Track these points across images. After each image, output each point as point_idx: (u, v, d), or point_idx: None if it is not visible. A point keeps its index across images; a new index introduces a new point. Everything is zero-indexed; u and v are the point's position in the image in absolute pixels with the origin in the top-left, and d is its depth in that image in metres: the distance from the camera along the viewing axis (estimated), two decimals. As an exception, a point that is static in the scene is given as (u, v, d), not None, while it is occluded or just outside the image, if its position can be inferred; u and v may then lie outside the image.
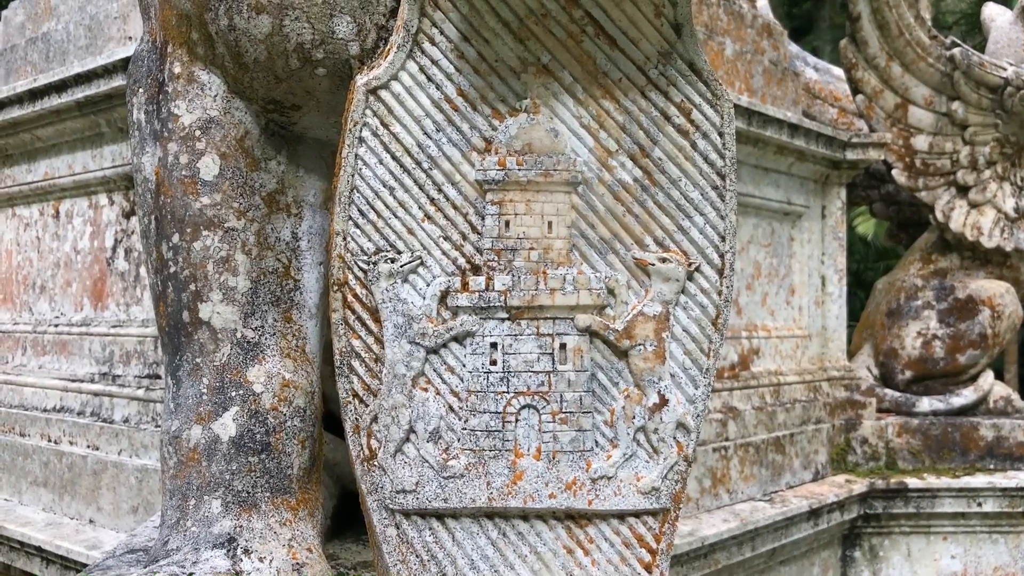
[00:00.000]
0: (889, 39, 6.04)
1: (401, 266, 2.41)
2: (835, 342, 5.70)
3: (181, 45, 2.65)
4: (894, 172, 6.19)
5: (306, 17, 2.49)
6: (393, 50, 2.40)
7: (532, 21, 2.34)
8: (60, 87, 3.93)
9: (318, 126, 2.76)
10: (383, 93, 2.40)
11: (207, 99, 2.64)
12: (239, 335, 2.63)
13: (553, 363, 2.37)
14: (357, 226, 2.43)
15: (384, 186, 2.42)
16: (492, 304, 2.37)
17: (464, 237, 2.41)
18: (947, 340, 6.10)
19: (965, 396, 6.10)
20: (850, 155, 5.66)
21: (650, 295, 2.40)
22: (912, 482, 5.50)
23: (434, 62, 2.38)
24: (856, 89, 6.17)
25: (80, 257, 4.24)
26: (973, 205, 6.15)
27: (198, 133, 2.62)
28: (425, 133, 2.40)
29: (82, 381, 4.02)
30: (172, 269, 2.64)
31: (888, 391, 6.12)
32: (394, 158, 2.41)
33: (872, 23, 5.97)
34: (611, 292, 2.40)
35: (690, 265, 2.41)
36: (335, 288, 2.45)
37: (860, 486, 5.31)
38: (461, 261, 2.41)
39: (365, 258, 2.42)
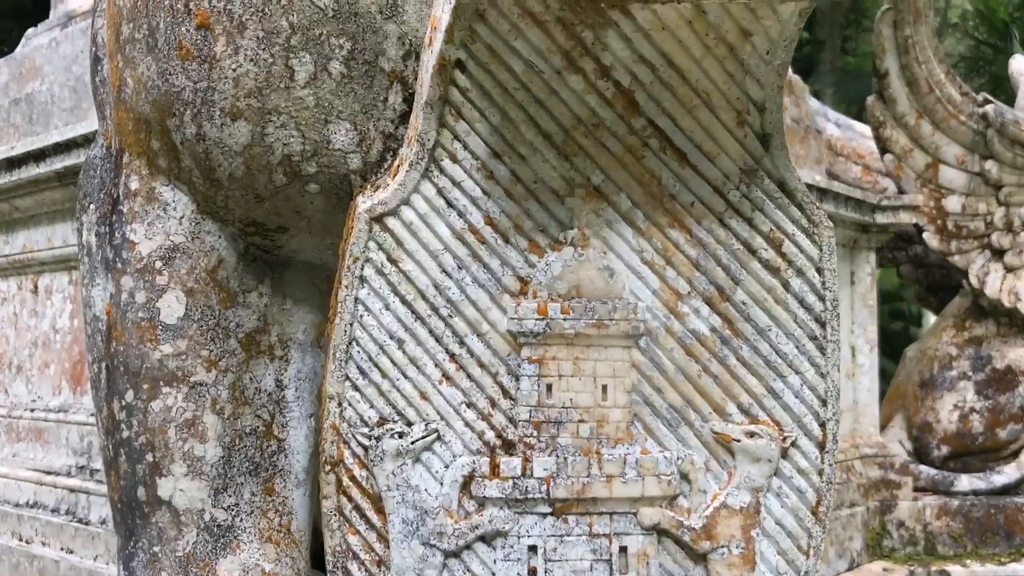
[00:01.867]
0: (919, 96, 5.66)
1: (412, 442, 1.87)
2: (867, 417, 5.24)
3: (140, 155, 2.14)
4: (925, 235, 5.77)
5: (294, 123, 1.99)
6: (404, 167, 1.89)
7: (580, 133, 1.83)
8: (39, 156, 3.55)
9: (310, 248, 2.24)
10: (391, 221, 1.89)
11: (171, 222, 2.13)
12: (208, 517, 2.09)
13: (611, 572, 1.82)
14: (357, 389, 1.90)
15: (391, 338, 1.89)
16: (530, 495, 1.83)
17: (493, 404, 1.88)
18: (986, 414, 5.65)
19: (1007, 474, 5.61)
20: (880, 218, 5.31)
21: (735, 480, 1.87)
22: (954, 570, 4.96)
23: (456, 183, 1.87)
24: (884, 148, 5.78)
25: (59, 336, 3.80)
26: (1009, 269, 5.72)
27: (159, 264, 2.11)
28: (444, 271, 1.88)
29: (58, 474, 3.63)
30: (125, 433, 2.11)
31: (924, 468, 5.64)
32: (404, 303, 1.89)
33: (901, 79, 5.60)
34: (685, 477, 1.86)
35: (784, 439, 1.88)
36: (327, 467, 1.91)
37: (899, 575, 4.79)
38: (490, 436, 1.87)
39: (366, 430, 1.89)
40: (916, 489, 5.42)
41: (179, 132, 2.04)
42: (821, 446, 1.90)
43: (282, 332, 2.27)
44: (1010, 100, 5.93)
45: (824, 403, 1.91)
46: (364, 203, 1.92)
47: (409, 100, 2.01)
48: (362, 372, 1.90)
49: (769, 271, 1.89)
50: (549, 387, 1.85)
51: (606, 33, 1.73)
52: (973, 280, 5.50)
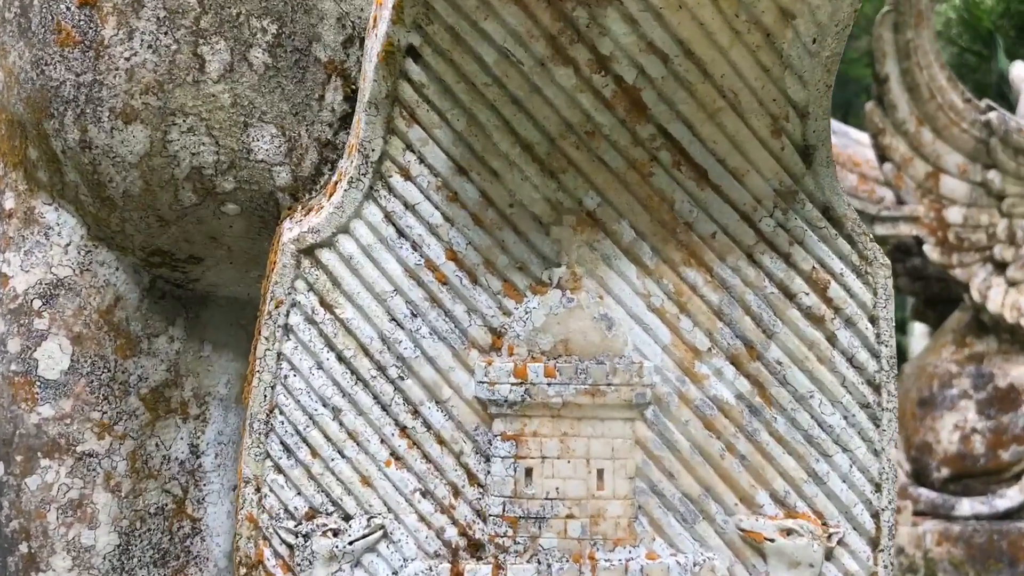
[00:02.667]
0: (919, 102, 5.33)
1: (351, 541, 1.44)
2: (865, 436, 4.88)
3: (15, 166, 1.71)
4: (925, 248, 5.45)
5: (205, 127, 1.56)
6: (343, 185, 1.46)
7: (570, 143, 1.41)
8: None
9: (232, 282, 1.81)
10: (325, 255, 1.46)
11: (54, 251, 1.70)
12: (97, 624, 1.65)
13: None
14: (280, 471, 1.47)
15: (325, 406, 1.46)
16: (504, 614, 1.41)
17: (456, 493, 1.45)
18: (987, 434, 5.34)
19: (1010, 498, 5.28)
20: (879, 230, 5.01)
21: (767, 592, 1.45)
22: (955, 600, 4.59)
23: (409, 207, 1.44)
24: (883, 156, 5.44)
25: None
26: (1012, 283, 5.40)
27: (38, 304, 1.68)
28: (394, 320, 1.45)
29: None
30: (-8, 517, 1.67)
31: (923, 491, 5.31)
32: (342, 360, 1.46)
33: (901, 85, 5.27)
34: (703, 590, 1.44)
35: (829, 536, 1.46)
36: (241, 570, 1.48)
37: (898, 605, 4.38)
38: (451, 534, 1.45)
39: (292, 525, 1.46)
40: (915, 513, 5.14)
41: (59, 138, 1.60)
42: (874, 543, 1.48)
43: (199, 385, 1.84)
44: (1007, 109, 5.65)
45: (878, 488, 1.49)
46: (291, 230, 1.49)
47: (351, 98, 1.58)
48: (287, 449, 1.47)
49: (811, 321, 1.47)
50: (528, 472, 1.42)
51: (604, 12, 1.31)
52: (975, 294, 5.23)
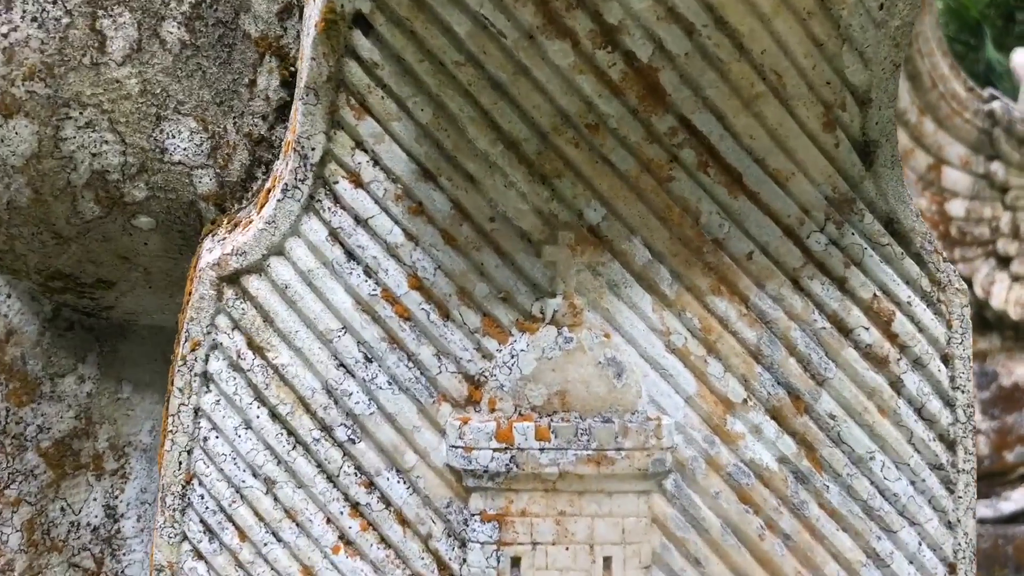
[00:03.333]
0: (921, 92, 5.07)
1: (290, 651, 1.13)
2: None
3: None
4: None
5: (107, 121, 1.24)
6: (276, 193, 1.14)
7: (567, 139, 1.10)
8: None
9: (154, 309, 1.50)
10: (253, 283, 1.14)
11: (-75, 275, 1.37)
12: None
13: None
14: (200, 556, 1.15)
15: (255, 476, 1.15)
16: None
17: (424, 587, 1.14)
18: (992, 435, 5.09)
19: (1015, 500, 5.03)
20: None
21: None
22: (961, 605, 4.26)
23: (361, 221, 1.13)
24: None
25: None
26: (1016, 278, 5.16)
27: (-95, 341, 1.35)
28: (342, 366, 1.14)
29: None
30: None
31: None
32: (276, 417, 1.14)
33: (902, 73, 5.02)
34: None
35: (895, 636, 1.16)
36: None
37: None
38: (418, 640, 1.13)
39: (215, 628, 1.14)
40: None
41: (-76, 135, 1.28)
42: (950, 640, 1.18)
43: (116, 434, 1.52)
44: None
45: (953, 570, 1.19)
46: (211, 252, 1.17)
47: (290, 83, 1.26)
48: (208, 531, 1.15)
49: (871, 363, 1.16)
50: (516, 562, 1.11)
51: (613, -32, 1.00)
52: (978, 290, 5.01)
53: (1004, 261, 5.08)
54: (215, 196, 1.27)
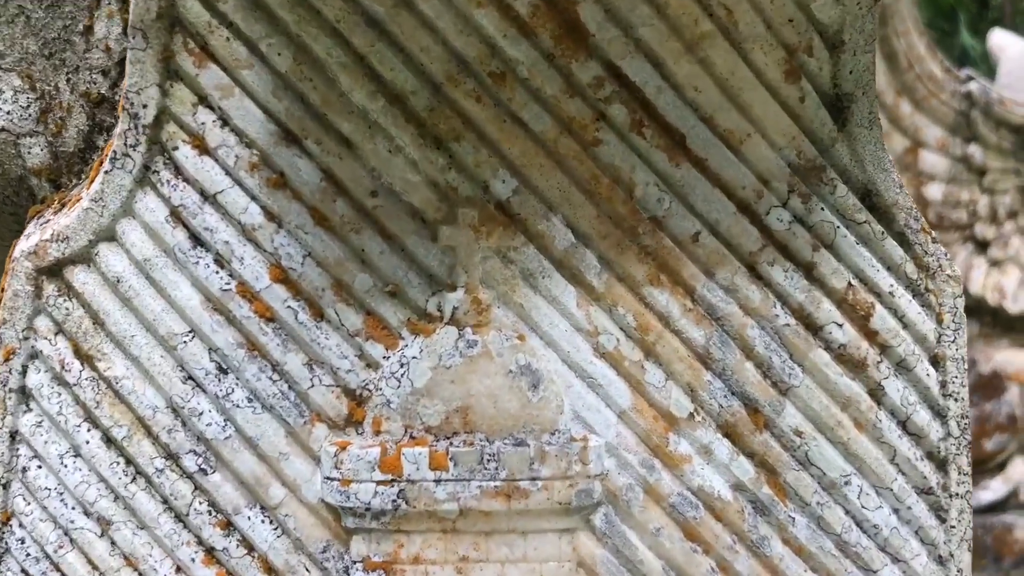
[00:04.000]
0: (897, 72, 4.94)
1: None
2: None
3: None
4: None
5: (-91, 78, 1.00)
6: (106, 164, 0.91)
7: (466, 92, 0.87)
8: None
9: None
10: (79, 276, 0.91)
11: None
12: None
13: None
14: (18, 617, 0.92)
15: (87, 515, 0.92)
16: None
17: (296, 652, 0.91)
18: (971, 423, 4.94)
19: (994, 490, 4.95)
20: None
21: None
22: (940, 597, 4.18)
23: (209, 197, 0.90)
24: None
25: None
26: (993, 263, 5.07)
27: None
28: (190, 379, 0.91)
29: None
30: None
31: None
32: (110, 442, 0.92)
33: (878, 54, 4.89)
34: None
35: None
36: None
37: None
38: None
39: None
40: None
41: None
42: None
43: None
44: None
45: (944, 615, 0.98)
46: (27, 239, 0.94)
47: (133, 30, 1.03)
48: (27, 585, 0.93)
49: (846, 367, 0.95)
50: (407, 621, 0.89)
51: None
52: None
53: (982, 246, 5.01)
54: (48, 170, 1.04)
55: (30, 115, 1.03)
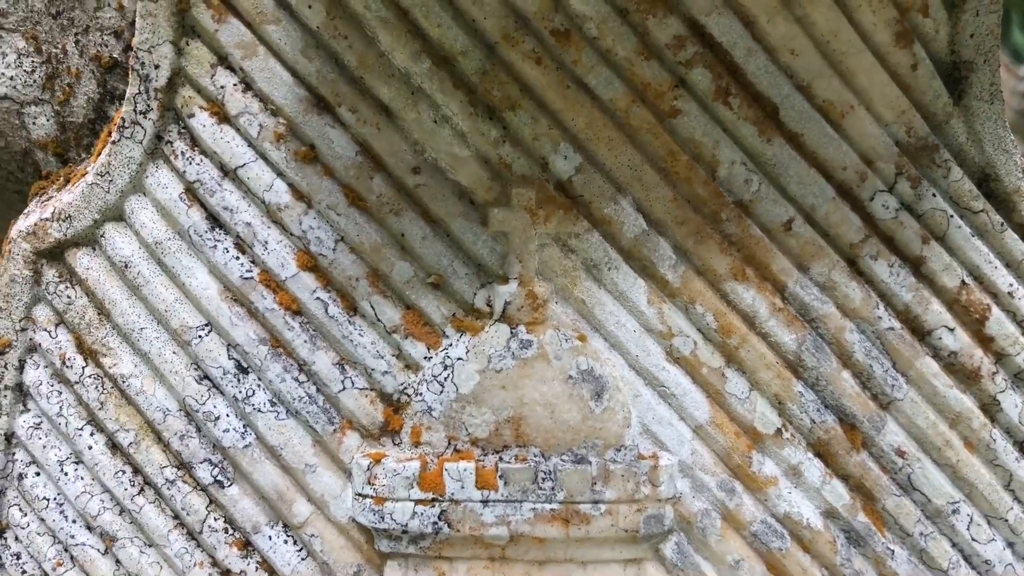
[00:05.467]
0: None
1: None
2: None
3: None
4: None
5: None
6: (114, 134, 0.80)
7: (524, 54, 0.75)
8: None
9: None
10: (82, 260, 0.80)
11: None
12: None
13: None
14: (12, 643, 0.82)
15: (90, 529, 0.82)
16: None
17: None
18: None
19: None
20: None
21: None
22: None
23: (228, 172, 0.79)
24: None
25: None
26: None
27: None
28: (206, 379, 0.80)
29: None
30: None
31: None
32: (116, 448, 0.81)
33: None
34: None
35: None
36: None
37: None
38: None
39: None
40: None
41: None
42: None
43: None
44: None
45: (1063, 664, 0.85)
46: (27, 217, 0.83)
47: (149, -14, 0.92)
48: (21, 607, 0.82)
49: (956, 378, 0.82)
50: (448, 662, 0.78)
51: None
52: None
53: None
54: (55, 142, 0.93)
55: (35, 81, 0.92)
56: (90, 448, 0.82)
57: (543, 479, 0.77)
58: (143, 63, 0.78)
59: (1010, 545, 0.84)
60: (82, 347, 0.82)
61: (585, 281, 0.79)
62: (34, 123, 0.93)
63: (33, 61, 0.92)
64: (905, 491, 0.83)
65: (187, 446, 0.81)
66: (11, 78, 0.92)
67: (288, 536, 0.81)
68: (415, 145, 0.77)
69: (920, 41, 0.79)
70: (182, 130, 0.79)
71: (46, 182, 0.92)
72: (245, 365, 0.80)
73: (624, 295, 0.79)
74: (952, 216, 0.81)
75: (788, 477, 0.81)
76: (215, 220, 0.79)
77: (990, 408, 0.83)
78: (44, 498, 0.83)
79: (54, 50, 0.92)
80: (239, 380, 0.80)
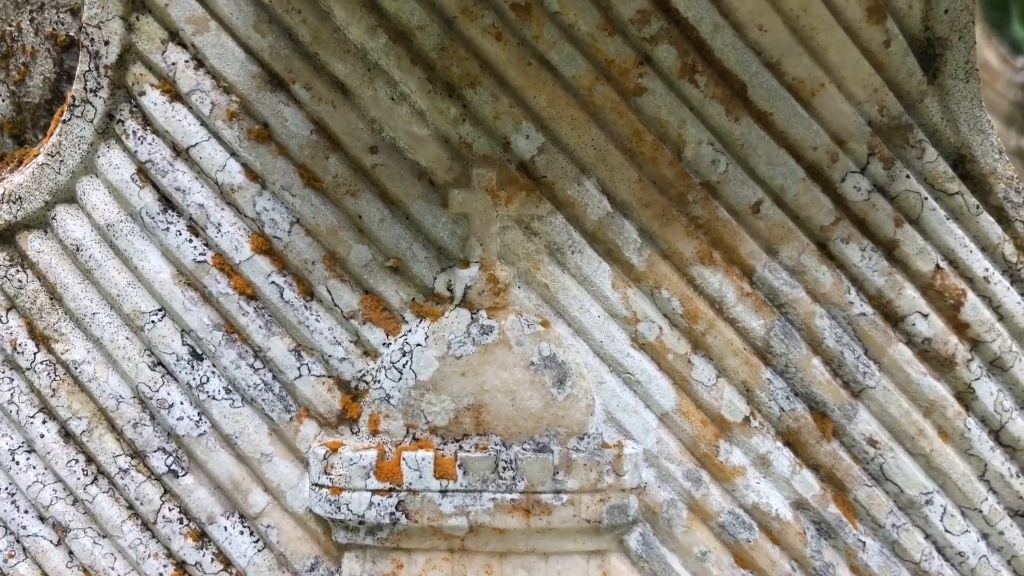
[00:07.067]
0: None
1: None
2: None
3: None
4: None
5: None
6: (66, 113, 0.78)
7: (483, 27, 0.73)
8: None
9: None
10: (34, 243, 0.79)
11: None
12: None
13: None
14: (-38, 635, 0.80)
15: (42, 520, 0.80)
16: None
17: None
18: None
19: None
20: None
21: None
22: None
23: (180, 151, 0.76)
24: None
25: None
26: None
27: None
28: (160, 365, 0.78)
29: None
30: None
31: None
32: (68, 437, 0.79)
33: None
34: None
35: None
36: None
37: None
38: None
39: None
40: None
41: None
42: None
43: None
44: None
45: (1040, 659, 0.83)
46: (-24, 199, 0.81)
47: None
48: (-29, 599, 0.80)
49: (930, 365, 0.80)
50: (406, 655, 0.76)
51: None
52: None
53: (1037, 239, 4.87)
54: (10, 123, 0.91)
55: (-11, 59, 0.90)
56: (42, 436, 0.80)
57: (504, 468, 0.75)
58: (92, 39, 0.76)
59: (984, 536, 0.83)
60: (34, 332, 0.80)
61: (548, 265, 0.77)
62: (-13, 102, 0.91)
63: (-17, 36, 0.90)
64: (877, 481, 0.81)
65: (141, 434, 0.79)
66: (-36, 56, 0.90)
67: (244, 527, 0.79)
68: (372, 124, 0.75)
69: (893, 17, 0.76)
70: (133, 109, 0.76)
71: (1, 164, 0.90)
72: (199, 351, 0.78)
73: (588, 279, 0.77)
74: (926, 198, 0.79)
75: (756, 467, 0.79)
76: (167, 202, 0.77)
77: (965, 396, 0.81)
78: (-6, 488, 0.81)
79: (8, 28, 0.90)
80: (193, 367, 0.78)
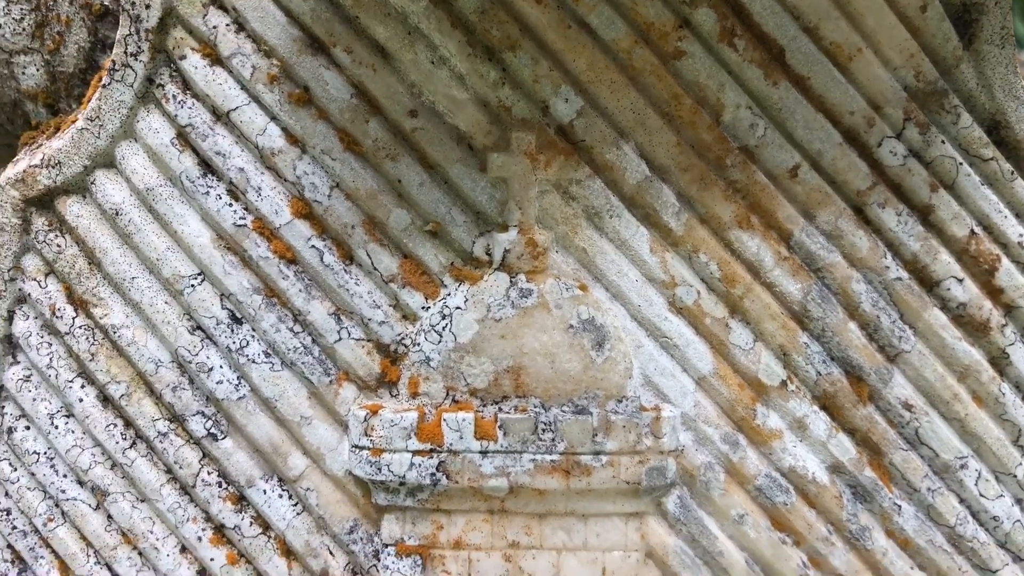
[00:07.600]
0: None
1: None
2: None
3: None
4: None
5: None
6: (105, 78, 0.78)
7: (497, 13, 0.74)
8: None
9: None
10: (72, 208, 0.79)
11: None
12: None
13: None
14: (1, 599, 0.81)
15: (80, 483, 0.80)
16: None
17: (316, 648, 0.79)
18: None
19: None
20: None
21: None
22: None
23: (221, 116, 0.77)
24: None
25: None
26: None
27: None
28: (199, 329, 0.78)
29: None
30: None
31: None
32: (107, 402, 0.79)
33: None
34: None
35: None
36: None
37: None
38: None
39: None
40: None
41: None
42: None
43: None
44: None
45: (1072, 623, 0.83)
46: (15, 165, 0.81)
47: (140, -69, 0.90)
48: (19, 562, 0.81)
49: (965, 330, 0.80)
50: (446, 616, 0.76)
51: None
52: None
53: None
54: (45, 93, 0.91)
55: (24, 29, 0.90)
56: (81, 401, 0.80)
57: (543, 430, 0.75)
58: (134, 3, 0.76)
59: (1018, 501, 0.83)
60: (72, 297, 0.80)
61: (586, 229, 0.78)
62: (23, 73, 0.91)
63: (22, 8, 0.90)
64: (912, 445, 0.81)
65: (180, 398, 0.79)
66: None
67: (283, 490, 0.79)
68: (412, 87, 0.75)
69: (930, -18, 0.77)
70: (173, 73, 0.77)
71: (36, 132, 0.90)
72: (239, 315, 0.78)
73: (626, 243, 0.78)
74: (961, 164, 0.80)
75: (793, 430, 0.79)
76: (207, 166, 0.77)
77: (999, 361, 0.82)
78: (34, 452, 0.81)
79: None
80: (233, 330, 0.78)
